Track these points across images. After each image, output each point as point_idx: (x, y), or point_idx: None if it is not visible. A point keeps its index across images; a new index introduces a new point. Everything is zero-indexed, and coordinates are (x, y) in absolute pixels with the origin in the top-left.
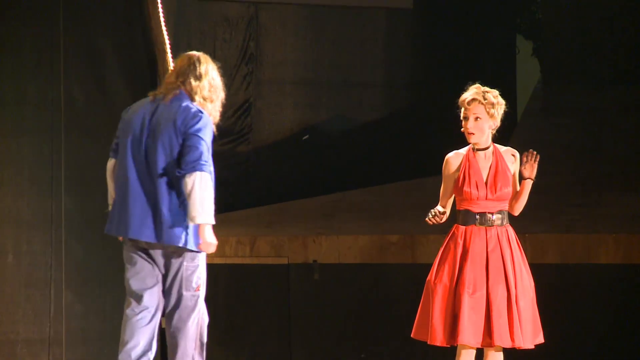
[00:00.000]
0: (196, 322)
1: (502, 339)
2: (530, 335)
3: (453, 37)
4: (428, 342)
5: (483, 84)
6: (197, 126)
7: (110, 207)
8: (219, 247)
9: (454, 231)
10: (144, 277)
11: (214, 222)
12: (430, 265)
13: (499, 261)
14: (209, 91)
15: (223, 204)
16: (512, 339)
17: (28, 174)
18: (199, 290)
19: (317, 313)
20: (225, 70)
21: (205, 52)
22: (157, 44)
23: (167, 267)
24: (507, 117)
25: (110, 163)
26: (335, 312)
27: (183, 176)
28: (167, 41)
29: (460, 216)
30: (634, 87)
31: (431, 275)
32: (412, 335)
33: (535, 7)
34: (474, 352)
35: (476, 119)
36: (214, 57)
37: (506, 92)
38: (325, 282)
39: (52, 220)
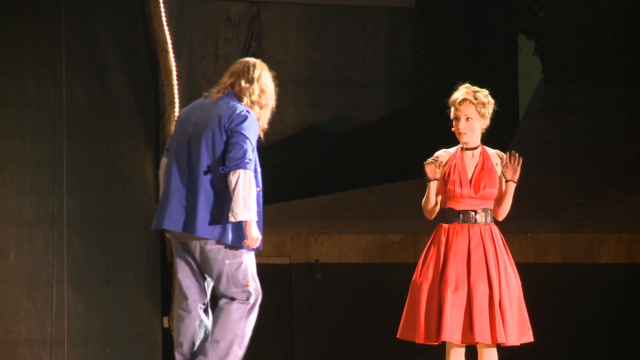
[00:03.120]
0: (243, 315)
1: (483, 335)
2: (516, 332)
3: (455, 36)
4: (415, 341)
5: (485, 84)
6: (243, 124)
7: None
8: None
9: (437, 230)
10: (188, 274)
11: (256, 219)
12: None
13: (481, 259)
14: (259, 95)
15: None
16: (494, 336)
17: (30, 173)
18: (248, 285)
19: (319, 312)
20: (227, 70)
21: (207, 51)
22: (159, 43)
23: (211, 265)
24: (509, 117)
25: (163, 162)
26: (337, 311)
27: (227, 174)
28: (169, 41)
29: (444, 214)
30: (637, 87)
31: (416, 275)
32: (397, 336)
33: (537, 7)
34: (462, 350)
35: (468, 119)
36: (216, 57)
37: (508, 92)
38: (327, 281)
39: (54, 219)
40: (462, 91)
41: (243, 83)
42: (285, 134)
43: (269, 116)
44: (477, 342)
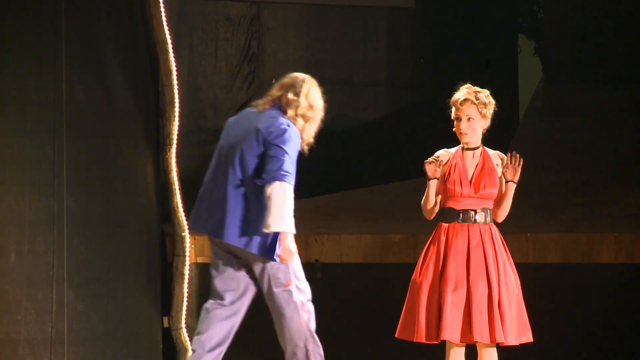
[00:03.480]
0: (296, 314)
1: (481, 335)
2: (516, 332)
3: (455, 36)
4: (414, 340)
5: (485, 84)
6: (282, 137)
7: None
8: None
9: (437, 229)
10: (226, 277)
11: (293, 231)
12: None
13: (480, 258)
14: (306, 109)
15: None
16: (493, 336)
17: (30, 173)
18: (289, 284)
19: (318, 312)
20: (227, 70)
21: (207, 51)
22: (159, 43)
23: (255, 267)
24: (509, 117)
25: None
26: (337, 311)
27: (263, 185)
28: (169, 41)
29: (444, 214)
30: (637, 87)
31: (416, 274)
32: (396, 335)
33: (537, 7)
34: (462, 350)
35: (469, 119)
36: (216, 57)
37: (508, 92)
38: (327, 281)
39: (54, 219)
40: (464, 91)
41: (290, 96)
42: None
43: (315, 130)
44: (476, 342)
